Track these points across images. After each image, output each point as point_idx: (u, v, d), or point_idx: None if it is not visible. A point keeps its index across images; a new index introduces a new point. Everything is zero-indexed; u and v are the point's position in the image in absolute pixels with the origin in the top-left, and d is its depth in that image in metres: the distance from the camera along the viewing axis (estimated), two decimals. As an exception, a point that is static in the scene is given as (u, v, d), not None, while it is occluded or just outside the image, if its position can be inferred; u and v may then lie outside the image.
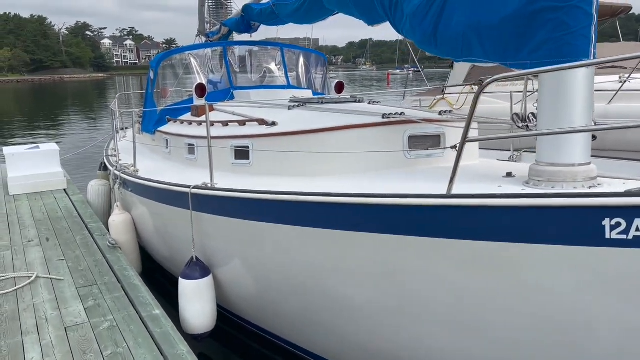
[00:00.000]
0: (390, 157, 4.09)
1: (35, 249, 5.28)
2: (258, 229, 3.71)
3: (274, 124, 4.64)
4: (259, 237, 3.77)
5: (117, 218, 5.65)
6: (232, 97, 7.11)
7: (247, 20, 7.41)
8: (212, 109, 6.38)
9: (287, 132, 4.35)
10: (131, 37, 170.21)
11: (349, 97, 5.59)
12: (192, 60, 7.26)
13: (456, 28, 3.39)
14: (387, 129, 4.10)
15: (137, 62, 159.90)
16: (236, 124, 5.09)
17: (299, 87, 7.60)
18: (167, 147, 6.47)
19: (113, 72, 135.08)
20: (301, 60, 7.80)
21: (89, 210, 6.65)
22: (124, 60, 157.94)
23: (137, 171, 5.67)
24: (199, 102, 6.57)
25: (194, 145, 5.64)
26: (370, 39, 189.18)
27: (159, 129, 6.87)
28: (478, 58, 3.39)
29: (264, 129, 4.65)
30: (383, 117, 4.10)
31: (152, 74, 7.27)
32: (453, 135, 4.28)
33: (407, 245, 2.88)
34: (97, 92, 54.52)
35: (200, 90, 6.51)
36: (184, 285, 4.24)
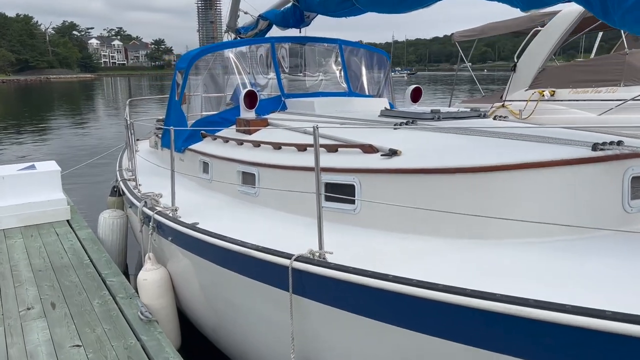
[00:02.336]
0: (600, 210, 2.64)
1: (37, 324, 3.74)
2: (415, 342, 2.23)
3: (394, 153, 3.17)
4: (415, 352, 2.28)
5: (150, 276, 4.12)
6: (284, 107, 5.64)
7: (300, 11, 5.92)
8: (265, 124, 4.92)
9: (432, 169, 2.87)
10: (119, 37, 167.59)
11: (468, 110, 4.14)
12: (233, 60, 5.76)
13: None
14: (600, 167, 2.65)
15: (125, 62, 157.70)
16: (322, 148, 3.62)
17: (362, 94, 6.14)
18: (206, 173, 4.98)
19: (101, 72, 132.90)
20: (363, 60, 6.34)
21: (104, 255, 5.08)
22: (111, 61, 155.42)
23: (176, 210, 4.16)
24: (247, 114, 5.10)
25: (254, 174, 4.16)
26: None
27: (190, 146, 5.37)
28: None
29: (378, 161, 3.18)
30: (594, 149, 2.64)
31: (179, 78, 5.74)
32: None
33: None
34: (84, 94, 52.32)
35: (250, 99, 5.03)
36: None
